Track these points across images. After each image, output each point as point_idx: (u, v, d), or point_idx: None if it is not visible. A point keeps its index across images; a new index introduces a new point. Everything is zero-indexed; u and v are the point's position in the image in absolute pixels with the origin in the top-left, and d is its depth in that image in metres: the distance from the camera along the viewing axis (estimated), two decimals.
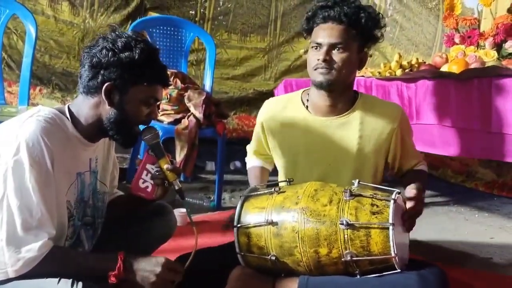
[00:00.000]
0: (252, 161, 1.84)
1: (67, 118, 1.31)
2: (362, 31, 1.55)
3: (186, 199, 1.51)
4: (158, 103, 1.38)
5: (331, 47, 1.51)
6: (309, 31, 1.61)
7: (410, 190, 1.46)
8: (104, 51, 1.27)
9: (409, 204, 1.42)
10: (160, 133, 2.49)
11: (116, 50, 1.27)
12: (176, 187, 1.41)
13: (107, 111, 1.31)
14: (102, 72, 1.27)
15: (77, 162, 1.33)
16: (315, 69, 1.54)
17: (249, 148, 1.86)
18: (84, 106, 1.32)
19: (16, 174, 1.17)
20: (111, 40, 1.29)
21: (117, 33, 1.31)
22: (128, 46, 1.28)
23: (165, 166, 1.39)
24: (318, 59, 1.52)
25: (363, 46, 1.58)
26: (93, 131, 1.33)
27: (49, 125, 1.23)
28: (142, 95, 1.31)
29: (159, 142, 1.42)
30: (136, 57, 1.27)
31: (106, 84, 1.27)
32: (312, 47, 1.55)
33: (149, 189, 1.44)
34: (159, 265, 1.25)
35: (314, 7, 1.57)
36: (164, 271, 1.25)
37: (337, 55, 1.51)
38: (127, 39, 1.29)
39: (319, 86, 1.54)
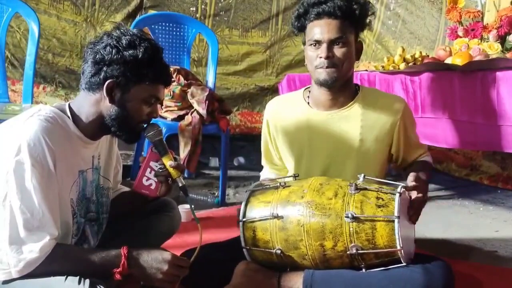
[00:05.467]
0: (265, 173, 1.82)
1: (68, 116, 1.30)
2: (356, 22, 1.55)
3: (190, 195, 1.52)
4: (159, 102, 1.38)
5: (331, 43, 1.51)
6: (301, 29, 1.59)
7: (410, 180, 1.42)
8: (108, 48, 1.26)
9: (413, 194, 1.41)
10: (164, 130, 2.51)
11: (120, 48, 1.26)
12: (180, 184, 1.41)
13: (108, 108, 1.30)
14: (104, 68, 1.27)
15: (78, 160, 1.33)
16: (318, 68, 1.53)
17: (263, 160, 1.83)
18: (85, 102, 1.32)
19: (18, 175, 1.16)
20: (116, 37, 1.28)
21: (122, 30, 1.30)
22: (132, 44, 1.27)
23: (168, 163, 1.39)
24: (321, 57, 1.51)
25: (357, 36, 1.58)
26: (94, 129, 1.33)
27: (50, 124, 1.22)
28: (144, 94, 1.31)
29: (162, 139, 1.41)
30: (140, 55, 1.26)
31: (108, 81, 1.27)
32: (310, 44, 1.54)
33: (152, 187, 1.44)
34: (165, 262, 1.25)
35: (305, 3, 1.56)
36: (170, 268, 1.25)
37: (338, 50, 1.51)
38: (132, 37, 1.28)
39: (324, 83, 1.54)
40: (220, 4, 3.86)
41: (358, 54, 1.60)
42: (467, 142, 2.12)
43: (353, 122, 1.60)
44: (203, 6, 3.81)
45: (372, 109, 1.60)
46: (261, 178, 1.83)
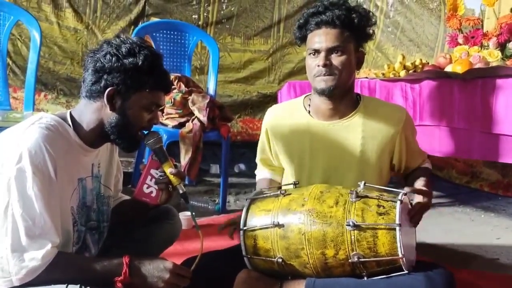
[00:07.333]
0: (261, 173, 1.82)
1: (69, 124, 1.30)
2: (356, 31, 1.55)
3: (191, 202, 1.53)
4: (160, 108, 1.38)
5: (329, 51, 1.51)
6: (302, 39, 1.61)
7: (418, 184, 1.47)
8: (108, 56, 1.27)
9: (418, 198, 1.43)
10: (165, 137, 2.51)
11: (119, 56, 1.27)
12: (181, 191, 1.41)
13: (109, 116, 1.31)
14: (105, 76, 1.28)
15: (78, 168, 1.33)
16: (316, 76, 1.54)
17: (257, 159, 1.83)
18: (86, 110, 1.33)
19: (19, 183, 1.16)
20: (115, 46, 1.29)
21: (121, 38, 1.31)
22: (132, 52, 1.28)
23: (168, 170, 1.39)
24: (318, 65, 1.52)
25: (358, 46, 1.58)
26: (95, 136, 1.33)
27: (51, 132, 1.23)
28: (144, 101, 1.31)
29: (162, 147, 1.42)
30: (140, 63, 1.27)
31: (108, 89, 1.27)
32: (310, 54, 1.55)
33: (153, 194, 1.44)
34: (167, 270, 1.25)
35: (305, 14, 1.58)
36: (172, 276, 1.25)
37: (336, 59, 1.52)
38: (131, 45, 1.29)
39: (322, 92, 1.55)
40: (222, 12, 3.88)
41: (359, 64, 1.60)
42: (466, 151, 2.12)
43: (354, 132, 1.60)
44: (205, 14, 3.83)
45: (373, 120, 1.60)
46: (257, 178, 1.83)
